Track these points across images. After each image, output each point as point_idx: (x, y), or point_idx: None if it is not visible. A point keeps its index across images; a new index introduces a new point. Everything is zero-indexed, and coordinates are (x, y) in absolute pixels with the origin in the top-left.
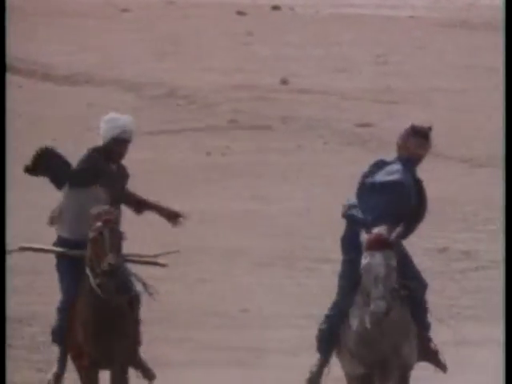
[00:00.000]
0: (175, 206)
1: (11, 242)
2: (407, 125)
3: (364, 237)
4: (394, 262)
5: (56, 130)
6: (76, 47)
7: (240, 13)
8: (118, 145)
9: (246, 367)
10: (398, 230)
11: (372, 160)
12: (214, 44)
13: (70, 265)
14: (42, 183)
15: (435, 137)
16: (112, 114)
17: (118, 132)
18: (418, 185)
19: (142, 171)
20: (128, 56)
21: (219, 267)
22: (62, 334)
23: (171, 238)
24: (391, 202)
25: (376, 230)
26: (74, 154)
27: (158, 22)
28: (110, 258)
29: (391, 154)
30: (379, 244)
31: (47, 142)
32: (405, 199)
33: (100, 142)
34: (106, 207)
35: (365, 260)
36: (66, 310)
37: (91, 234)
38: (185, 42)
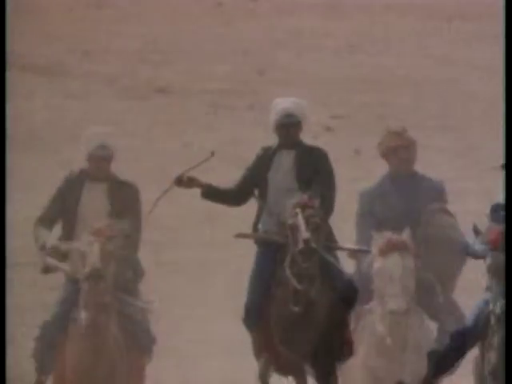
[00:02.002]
0: (154, 196)
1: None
2: (382, 115)
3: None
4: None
5: (35, 121)
6: (54, 38)
7: (219, 3)
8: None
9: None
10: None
11: (345, 150)
12: (191, 34)
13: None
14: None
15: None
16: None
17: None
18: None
19: (119, 161)
20: (106, 48)
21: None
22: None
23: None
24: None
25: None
26: (52, 145)
27: (135, 13)
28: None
29: (364, 145)
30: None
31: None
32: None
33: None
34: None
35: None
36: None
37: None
38: (162, 32)
